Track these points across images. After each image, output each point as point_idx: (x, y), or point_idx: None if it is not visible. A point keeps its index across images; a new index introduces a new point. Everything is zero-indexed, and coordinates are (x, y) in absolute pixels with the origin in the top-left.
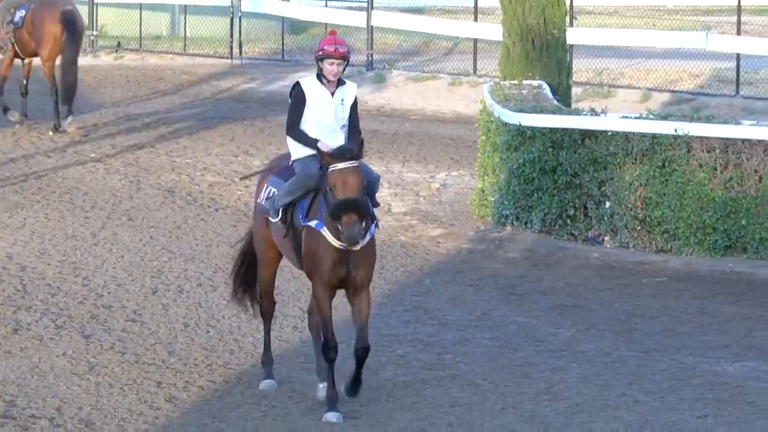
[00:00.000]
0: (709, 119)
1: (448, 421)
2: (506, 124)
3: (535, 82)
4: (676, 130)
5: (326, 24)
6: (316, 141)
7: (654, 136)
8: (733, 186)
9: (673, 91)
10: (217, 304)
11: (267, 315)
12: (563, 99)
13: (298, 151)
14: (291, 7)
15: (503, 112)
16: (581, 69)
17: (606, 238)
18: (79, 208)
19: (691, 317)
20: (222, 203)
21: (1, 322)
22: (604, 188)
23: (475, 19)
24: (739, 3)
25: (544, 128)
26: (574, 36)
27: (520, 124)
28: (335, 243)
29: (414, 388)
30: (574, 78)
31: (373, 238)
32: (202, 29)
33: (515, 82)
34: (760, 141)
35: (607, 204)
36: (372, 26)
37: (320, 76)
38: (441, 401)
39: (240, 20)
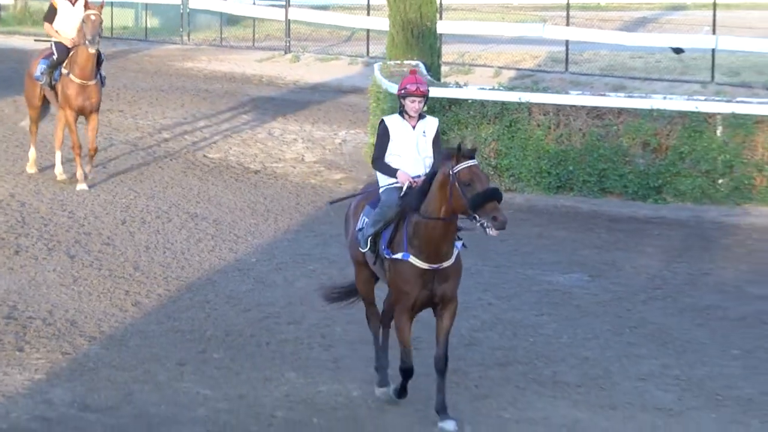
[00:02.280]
0: (544, 90)
1: (345, 320)
2: (391, 93)
3: (413, 62)
4: (519, 99)
5: (254, 18)
6: (396, 171)
7: (503, 103)
8: (563, 141)
9: (517, 69)
10: (171, 231)
11: (373, 320)
12: (435, 75)
13: (384, 180)
14: (227, 4)
15: (389, 85)
16: (448, 52)
17: None
18: (64, 158)
19: (531, 240)
20: (174, 155)
21: (4, 245)
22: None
23: (368, 14)
24: (568, 2)
25: None
26: (442, 27)
27: None
28: (423, 266)
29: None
30: (442, 59)
31: (459, 254)
32: (160, 21)
33: (398, 62)
34: (583, 106)
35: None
36: (289, 19)
37: (402, 112)
38: (341, 308)
39: (188, 14)
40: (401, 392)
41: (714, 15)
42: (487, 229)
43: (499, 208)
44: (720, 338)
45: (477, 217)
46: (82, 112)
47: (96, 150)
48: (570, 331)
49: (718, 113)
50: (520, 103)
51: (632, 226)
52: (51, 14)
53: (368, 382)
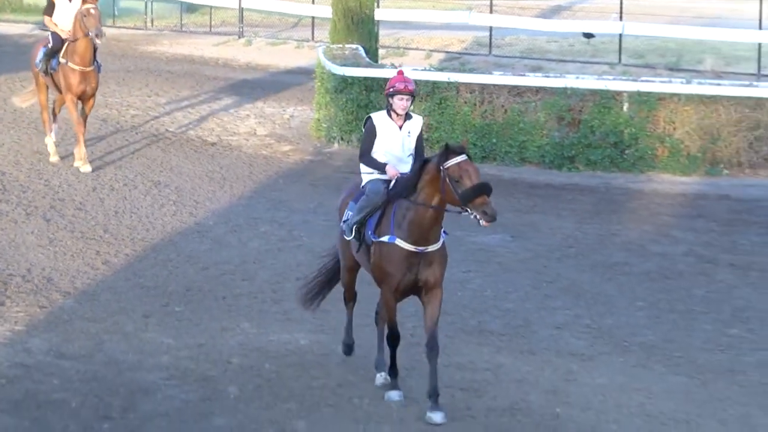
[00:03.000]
0: (470, 71)
1: (294, 276)
2: (334, 74)
3: (353, 46)
4: (448, 79)
5: (211, 6)
6: (385, 165)
7: (434, 82)
8: (487, 116)
9: (446, 52)
10: (137, 197)
11: (349, 302)
12: (373, 58)
13: (368, 176)
14: None
15: (332, 66)
16: (384, 37)
17: None
18: (41, 133)
19: None
20: (140, 129)
21: None
22: None
23: (313, 2)
24: None
25: (360, 77)
26: (380, 14)
27: (343, 75)
28: (409, 248)
29: (272, 253)
30: (380, 43)
31: (444, 243)
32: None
33: (340, 45)
34: (505, 85)
35: None
36: (242, 7)
37: (389, 111)
38: (290, 263)
39: (152, 3)
40: (393, 369)
41: (621, 3)
42: (480, 221)
43: (488, 202)
44: (626, 291)
45: (468, 210)
46: (82, 97)
47: (86, 130)
48: (493, 286)
49: (625, 91)
50: (448, 83)
51: (548, 191)
52: (50, 8)
53: (314, 331)
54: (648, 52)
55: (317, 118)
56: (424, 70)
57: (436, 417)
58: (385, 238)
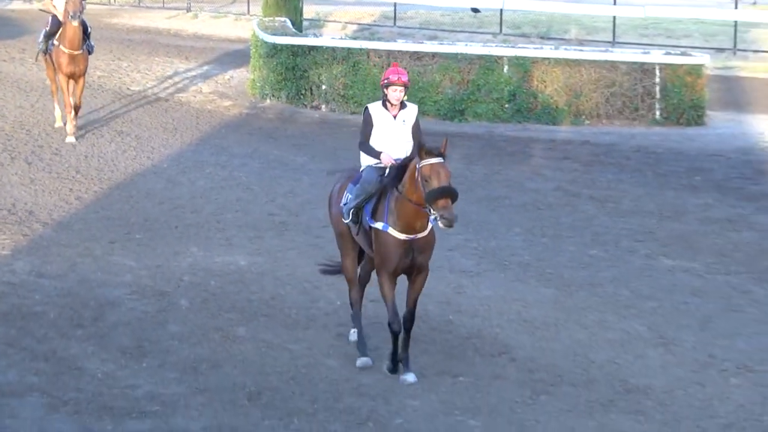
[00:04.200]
0: (378, 39)
1: (234, 209)
2: (266, 42)
3: (282, 19)
4: (360, 46)
5: None
6: (380, 153)
7: (348, 49)
8: (416, 74)
9: (359, 24)
10: (104, 144)
11: (356, 303)
12: (298, 29)
13: (366, 161)
14: None
15: (265, 36)
16: (308, 11)
17: (323, 107)
18: (23, 90)
19: None
20: (105, 88)
21: None
22: (321, 78)
23: None
24: None
25: (287, 44)
26: None
27: (274, 43)
28: (401, 236)
29: (216, 190)
30: (304, 17)
31: (432, 229)
32: None
33: (271, 19)
34: (407, 51)
35: (323, 87)
36: None
37: (384, 101)
38: (230, 198)
39: None
40: (394, 365)
41: None
42: (438, 222)
43: (449, 207)
44: (506, 220)
45: (431, 210)
46: (72, 77)
47: (80, 106)
48: None
49: (505, 56)
50: (360, 49)
51: (443, 139)
52: None
53: (252, 254)
54: (524, 24)
55: (252, 79)
56: (341, 38)
57: (410, 378)
58: (379, 225)
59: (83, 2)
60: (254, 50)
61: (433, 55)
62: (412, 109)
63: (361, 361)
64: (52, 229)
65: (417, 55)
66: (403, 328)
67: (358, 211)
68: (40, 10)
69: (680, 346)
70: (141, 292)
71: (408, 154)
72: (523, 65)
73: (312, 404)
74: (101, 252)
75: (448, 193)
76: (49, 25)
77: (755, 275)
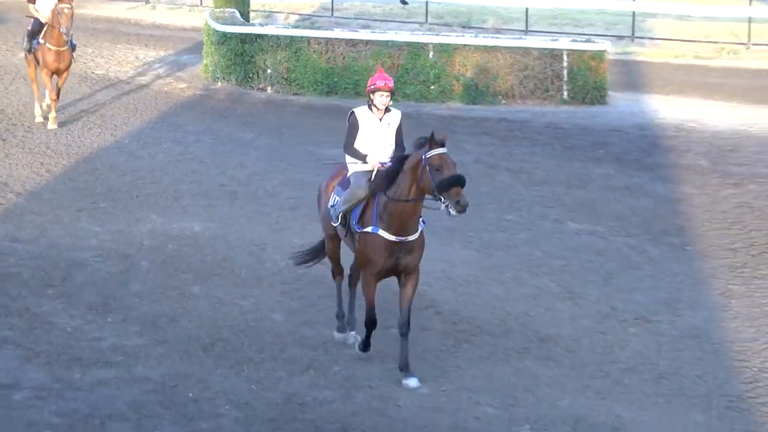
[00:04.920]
0: (318, 28)
1: (189, 180)
2: (217, 31)
3: (231, 10)
4: (302, 35)
5: None
6: (366, 155)
7: (291, 37)
8: (330, 62)
9: (300, 14)
10: (72, 123)
11: (337, 276)
12: (245, 18)
13: (353, 166)
14: None
15: (216, 25)
16: (254, 3)
17: (268, 89)
18: (2, 68)
19: (311, 127)
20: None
21: None
22: (267, 63)
23: None
24: None
25: (236, 33)
26: None
27: (224, 31)
28: (391, 238)
29: (173, 163)
30: (251, 8)
31: (422, 231)
32: None
33: (222, 10)
34: (343, 39)
35: (269, 71)
36: None
37: (370, 106)
38: (186, 170)
39: None
40: (366, 346)
41: None
42: (450, 210)
43: (462, 193)
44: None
45: (442, 198)
46: (57, 72)
47: (59, 99)
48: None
49: (430, 43)
50: (301, 37)
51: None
52: None
53: (205, 221)
54: (446, 15)
55: (205, 63)
56: (284, 27)
57: (412, 382)
58: (368, 229)
59: (73, 16)
60: (206, 38)
61: (367, 42)
62: (396, 114)
63: (338, 336)
64: (24, 199)
65: (352, 42)
66: (399, 333)
67: (346, 215)
68: (27, 16)
69: (585, 300)
70: (105, 254)
71: (390, 159)
72: (446, 51)
73: (259, 354)
74: (69, 219)
75: (461, 181)
76: (30, 26)
77: (651, 237)
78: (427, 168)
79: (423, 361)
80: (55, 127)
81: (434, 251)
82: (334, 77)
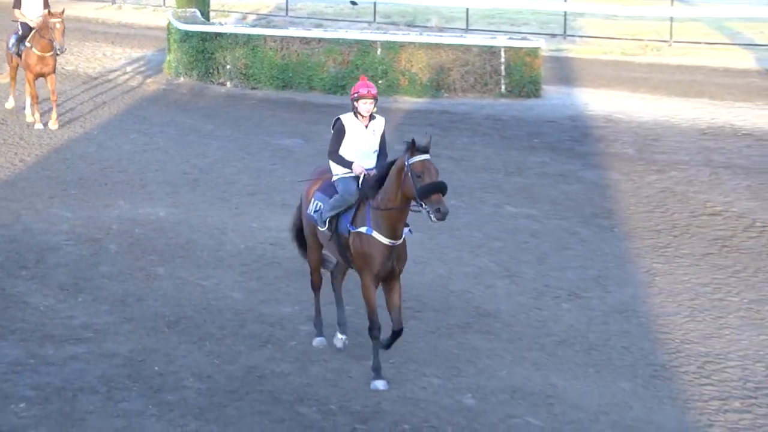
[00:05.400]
0: (273, 27)
1: (154, 168)
2: (179, 29)
3: (192, 10)
4: (259, 33)
5: None
6: (351, 163)
7: (249, 35)
8: (285, 58)
9: (257, 14)
10: (44, 115)
11: (316, 287)
12: (206, 18)
13: (337, 170)
14: None
15: (178, 24)
16: (214, 3)
17: (227, 83)
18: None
19: (267, 119)
20: None
21: None
22: (226, 59)
23: None
24: None
25: (197, 31)
26: None
27: (186, 30)
28: (385, 241)
29: (138, 153)
30: (211, 8)
31: (404, 237)
32: None
33: (183, 9)
34: (297, 37)
35: (228, 67)
36: None
37: (356, 113)
38: (151, 160)
39: None
40: (375, 366)
41: None
42: (431, 216)
43: (443, 200)
44: None
45: (423, 204)
46: (42, 75)
47: (57, 98)
48: (291, 173)
49: (378, 40)
50: (258, 35)
51: (328, 109)
52: (18, 2)
53: (169, 206)
54: (394, 14)
55: (169, 60)
56: (242, 26)
57: (380, 384)
58: (362, 229)
59: (65, 29)
60: (170, 36)
61: (319, 40)
62: (380, 121)
63: (317, 340)
64: None
65: (305, 40)
66: (390, 338)
67: (332, 219)
68: (13, 20)
69: (522, 278)
70: (76, 238)
71: (376, 165)
72: (393, 48)
73: (221, 330)
74: (42, 205)
75: (441, 188)
76: (20, 30)
77: (582, 219)
78: (410, 174)
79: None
80: (40, 126)
81: None
82: (289, 72)
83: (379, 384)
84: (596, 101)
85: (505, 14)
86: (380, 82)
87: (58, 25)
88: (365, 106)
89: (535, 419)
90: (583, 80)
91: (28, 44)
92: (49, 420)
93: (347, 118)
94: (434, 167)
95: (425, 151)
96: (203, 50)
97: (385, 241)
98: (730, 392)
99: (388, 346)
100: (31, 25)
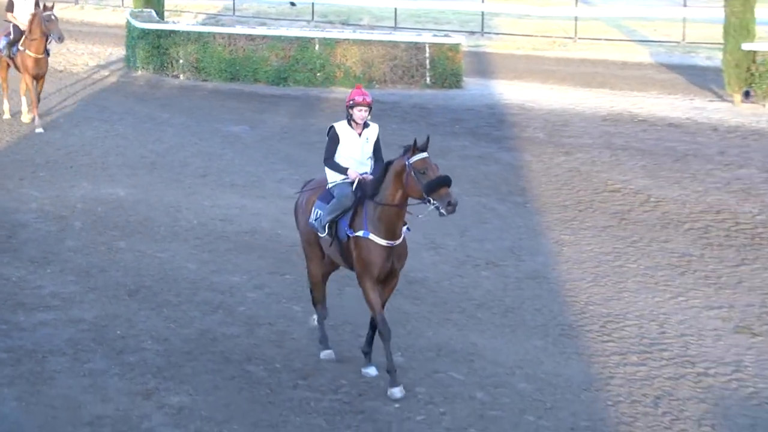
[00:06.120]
0: (222, 25)
1: (115, 153)
2: (137, 27)
3: (148, 10)
4: (208, 30)
5: None
6: (347, 169)
7: (199, 32)
8: (233, 53)
9: (207, 13)
10: (14, 106)
11: (318, 302)
12: (161, 17)
13: (333, 177)
14: None
15: (135, 22)
16: (168, 4)
17: (181, 76)
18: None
19: (217, 108)
20: None
21: None
22: (179, 54)
23: None
24: None
25: (153, 29)
26: None
27: (143, 28)
28: (384, 242)
29: (100, 139)
30: (165, 8)
31: (404, 236)
32: None
33: (140, 10)
34: (243, 34)
35: (181, 61)
36: None
37: (350, 121)
38: (112, 145)
39: None
40: (392, 380)
41: None
42: (441, 210)
43: (451, 193)
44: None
45: (431, 200)
46: (36, 77)
47: (38, 101)
48: (239, 157)
49: (316, 37)
50: (208, 33)
51: (272, 99)
52: (10, 6)
53: (130, 187)
54: (330, 13)
55: (127, 55)
56: (194, 25)
57: (371, 371)
58: (360, 233)
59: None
60: (128, 34)
61: (263, 37)
62: (374, 128)
63: (325, 353)
64: None
65: (251, 37)
66: (369, 327)
67: (332, 224)
68: (5, 21)
69: (445, 249)
70: (45, 216)
71: (371, 170)
72: (329, 44)
73: (176, 297)
74: (13, 186)
75: (448, 182)
76: (12, 34)
77: (499, 197)
78: (413, 173)
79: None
80: (41, 130)
81: None
82: (236, 66)
83: (396, 392)
84: (511, 91)
85: (430, 14)
86: (318, 74)
87: (53, 17)
88: (360, 113)
89: (458, 374)
90: (499, 73)
91: (21, 48)
92: (21, 379)
93: (341, 127)
94: (434, 163)
95: (424, 149)
96: (158, 46)
97: (384, 242)
98: (628, 348)
99: (391, 371)
100: (22, 28)
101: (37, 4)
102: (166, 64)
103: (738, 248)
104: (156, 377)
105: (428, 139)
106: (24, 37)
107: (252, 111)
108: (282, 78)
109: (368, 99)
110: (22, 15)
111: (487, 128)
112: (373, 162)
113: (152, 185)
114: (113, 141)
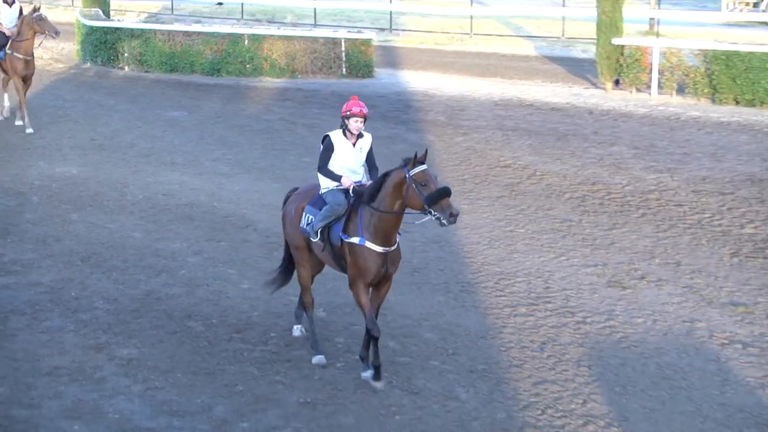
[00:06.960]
0: (162, 23)
1: (68, 135)
2: (86, 25)
3: (96, 9)
4: (150, 27)
5: None
6: (341, 177)
7: (142, 29)
8: (172, 47)
9: (148, 12)
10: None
11: (308, 307)
12: (107, 15)
13: (327, 184)
14: None
15: (84, 20)
16: (114, 4)
17: (126, 68)
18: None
19: (158, 96)
20: None
21: None
22: (124, 49)
23: None
24: None
25: (100, 26)
26: None
27: (90, 25)
28: (379, 249)
29: (54, 124)
30: (111, 7)
31: (398, 243)
32: None
33: (88, 9)
34: (180, 31)
35: (126, 54)
36: None
37: (345, 131)
38: (65, 128)
39: None
40: (376, 374)
41: None
42: (443, 221)
43: (451, 203)
44: (250, 139)
45: (432, 211)
46: (25, 78)
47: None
48: (178, 138)
49: (245, 33)
50: (150, 30)
51: (207, 88)
52: None
53: (81, 166)
54: (257, 12)
55: (77, 49)
56: (137, 23)
57: (367, 373)
58: (355, 240)
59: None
60: (78, 30)
61: (198, 33)
62: (367, 138)
63: (316, 359)
64: None
65: (188, 34)
66: (366, 332)
67: (324, 229)
68: None
69: None
70: (4, 192)
71: (366, 179)
72: (257, 40)
73: (124, 263)
74: None
75: (449, 193)
76: None
77: None
78: (413, 185)
79: (246, 265)
80: (31, 130)
81: (251, 185)
82: (175, 59)
83: (379, 386)
84: (416, 80)
85: (345, 12)
86: (248, 66)
87: (43, 16)
88: (356, 124)
89: None
90: (405, 64)
91: (9, 51)
92: None
93: (336, 136)
94: (434, 174)
95: (422, 161)
96: (105, 41)
97: (379, 249)
98: (518, 301)
99: (375, 373)
100: (7, 34)
101: (21, 10)
102: (112, 58)
103: (610, 214)
104: (107, 333)
105: (426, 151)
106: (11, 40)
107: (189, 98)
108: (216, 69)
109: (365, 111)
110: (6, 21)
111: (395, 112)
112: (366, 170)
113: (101, 164)
114: (66, 125)
